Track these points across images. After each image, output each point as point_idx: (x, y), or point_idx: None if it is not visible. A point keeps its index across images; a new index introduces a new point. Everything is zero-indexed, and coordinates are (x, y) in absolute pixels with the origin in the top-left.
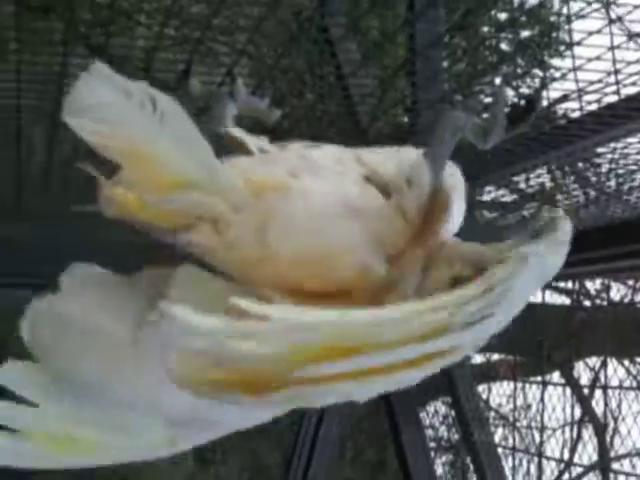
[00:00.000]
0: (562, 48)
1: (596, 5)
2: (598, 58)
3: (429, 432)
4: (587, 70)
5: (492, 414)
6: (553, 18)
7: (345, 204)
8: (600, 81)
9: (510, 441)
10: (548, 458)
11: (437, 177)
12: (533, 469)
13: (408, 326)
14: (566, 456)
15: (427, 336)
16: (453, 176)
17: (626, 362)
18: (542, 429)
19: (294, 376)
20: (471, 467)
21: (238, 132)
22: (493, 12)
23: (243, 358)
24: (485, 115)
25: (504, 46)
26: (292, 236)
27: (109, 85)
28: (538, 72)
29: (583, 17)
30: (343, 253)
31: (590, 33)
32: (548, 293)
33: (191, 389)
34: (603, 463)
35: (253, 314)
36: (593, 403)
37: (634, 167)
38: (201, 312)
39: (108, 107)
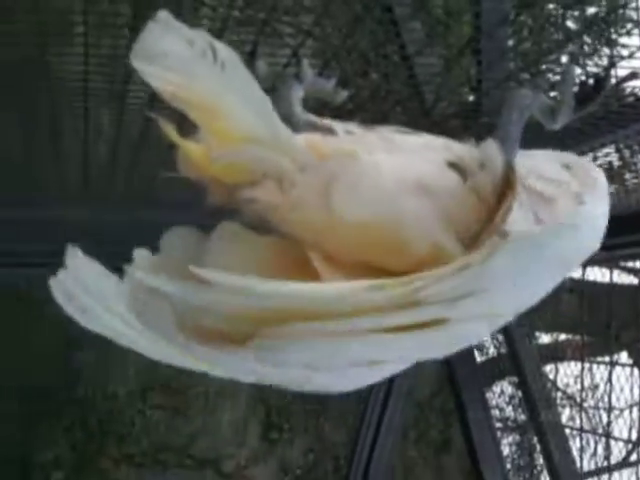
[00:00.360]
0: (630, 26)
1: None
2: None
3: (495, 412)
4: None
5: (559, 394)
6: None
7: (418, 181)
8: None
9: (577, 422)
10: (616, 439)
11: (508, 157)
12: (600, 450)
13: (362, 299)
14: (634, 436)
15: (390, 308)
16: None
17: None
18: (610, 409)
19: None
20: (538, 447)
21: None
22: None
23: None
24: (553, 94)
25: (571, 24)
26: (358, 203)
27: (174, 33)
28: (606, 50)
29: None
30: (412, 228)
31: None
32: (616, 273)
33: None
34: None
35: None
36: None
37: None
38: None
39: (173, 55)
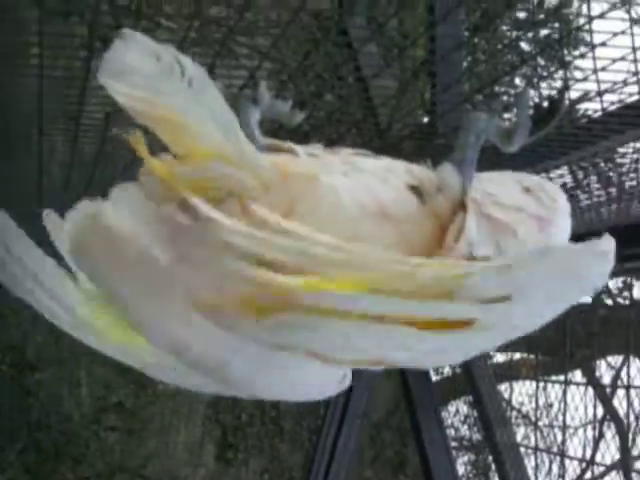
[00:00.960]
0: (583, 49)
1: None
2: (622, 59)
3: (451, 432)
4: (609, 71)
5: (514, 413)
6: (573, 18)
7: (378, 205)
8: (622, 82)
9: (532, 440)
10: (570, 457)
11: (466, 181)
12: (555, 468)
13: (414, 279)
14: (588, 455)
15: (429, 294)
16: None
17: None
18: (564, 428)
19: (294, 300)
20: (493, 467)
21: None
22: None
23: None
24: (508, 116)
25: (525, 46)
26: (317, 226)
27: (141, 49)
28: (560, 73)
29: (603, 17)
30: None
31: (614, 34)
32: None
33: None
34: (625, 462)
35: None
36: (615, 402)
37: None
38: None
39: (140, 71)
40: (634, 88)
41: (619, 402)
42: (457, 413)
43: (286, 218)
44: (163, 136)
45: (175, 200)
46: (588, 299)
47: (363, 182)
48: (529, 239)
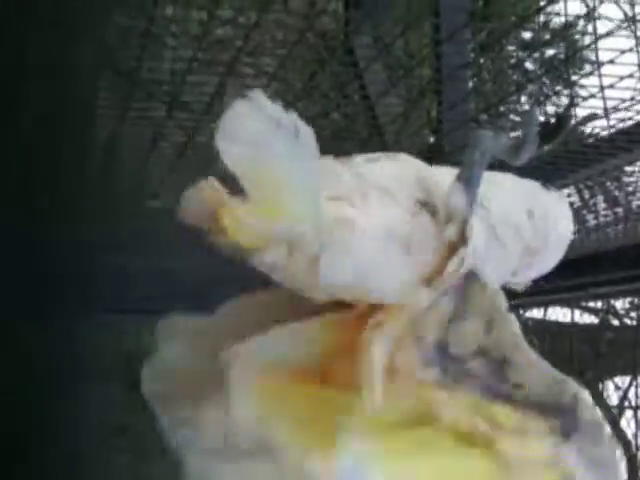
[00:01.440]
0: (589, 67)
1: (623, 24)
2: (630, 76)
3: None
4: (616, 88)
5: None
6: (579, 37)
7: (391, 235)
8: (630, 99)
9: None
10: None
11: (472, 200)
12: None
13: None
14: None
15: None
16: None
17: None
18: None
19: None
20: None
21: None
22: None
23: None
24: (515, 134)
25: (530, 65)
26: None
27: (262, 114)
28: (565, 92)
29: (609, 36)
30: (387, 281)
31: (622, 52)
32: (577, 312)
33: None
34: None
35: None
36: (623, 423)
37: None
38: None
39: (259, 139)
40: None
41: (627, 423)
42: None
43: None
44: (250, 187)
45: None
46: (595, 320)
47: (374, 209)
48: (513, 260)
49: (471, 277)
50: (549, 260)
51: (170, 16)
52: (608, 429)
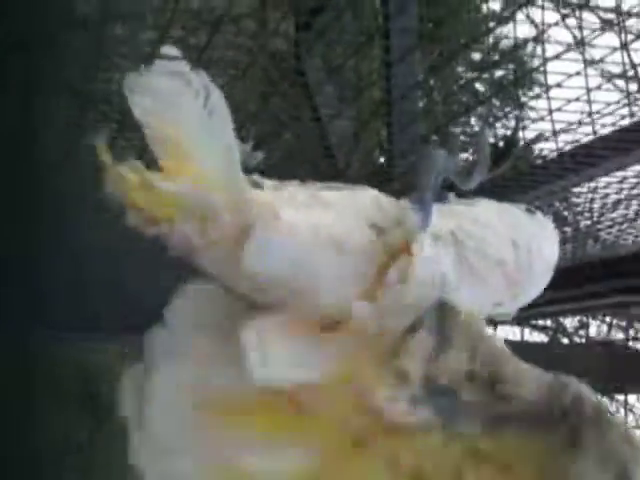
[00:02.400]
0: (538, 90)
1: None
2: (576, 99)
3: None
4: (564, 111)
5: None
6: (528, 59)
7: (332, 238)
8: (577, 122)
9: None
10: None
11: (426, 220)
12: None
13: None
14: None
15: None
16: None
17: (605, 400)
18: None
19: None
20: None
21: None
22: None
23: None
24: (465, 156)
25: (479, 87)
26: (267, 259)
27: (172, 70)
28: (515, 113)
29: (557, 59)
30: (323, 285)
31: (569, 75)
32: (527, 330)
33: None
34: None
35: None
36: None
37: (611, 206)
38: None
39: (166, 92)
40: (588, 128)
41: None
42: None
43: (236, 244)
44: (161, 152)
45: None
46: (545, 338)
47: (322, 217)
48: (496, 292)
49: (447, 309)
50: (535, 289)
51: (120, 36)
52: (617, 420)
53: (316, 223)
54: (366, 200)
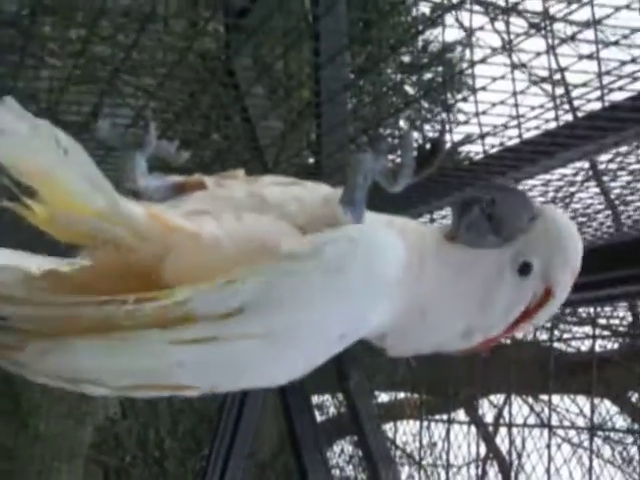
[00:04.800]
0: (466, 92)
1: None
2: (502, 102)
3: (336, 472)
4: (490, 114)
5: (398, 452)
6: (456, 62)
7: (261, 244)
8: (503, 125)
9: (416, 479)
10: None
11: (357, 220)
12: None
13: (134, 315)
14: None
15: (166, 321)
16: None
17: (530, 400)
18: (448, 467)
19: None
20: None
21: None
22: (398, 55)
23: None
24: (392, 158)
25: (409, 88)
26: (193, 270)
27: (20, 117)
28: (443, 115)
29: (486, 62)
30: None
31: (494, 78)
32: None
33: None
34: None
35: None
36: (498, 440)
37: None
38: None
39: (21, 135)
40: (515, 131)
41: (501, 440)
42: (342, 453)
43: (159, 262)
44: (41, 191)
45: None
46: None
47: (254, 224)
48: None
49: None
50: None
51: (48, 34)
52: None
53: (245, 232)
54: (307, 198)
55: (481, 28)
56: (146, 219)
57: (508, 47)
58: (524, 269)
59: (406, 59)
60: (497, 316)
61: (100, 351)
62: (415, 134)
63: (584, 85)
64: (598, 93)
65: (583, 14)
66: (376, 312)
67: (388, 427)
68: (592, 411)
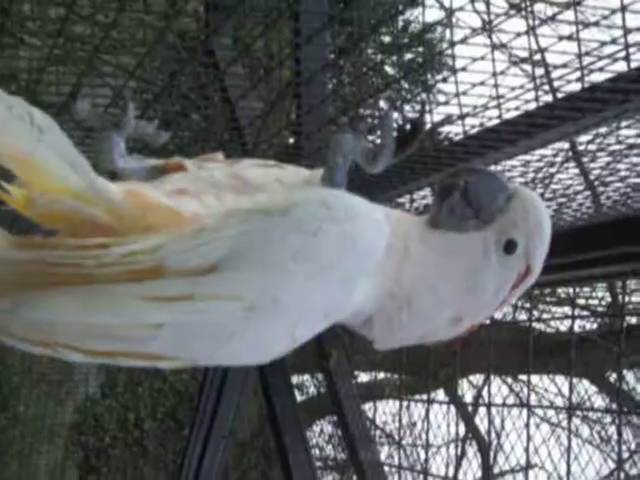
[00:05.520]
0: (446, 73)
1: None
2: (482, 83)
3: (316, 451)
4: (470, 95)
5: (378, 432)
6: (437, 43)
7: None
8: (483, 106)
9: (396, 459)
10: (433, 475)
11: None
12: None
13: (103, 259)
14: (451, 473)
15: (136, 272)
16: None
17: (509, 380)
18: (427, 447)
19: None
20: None
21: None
22: (378, 35)
23: None
24: (372, 138)
25: (389, 69)
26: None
27: None
28: (423, 96)
29: (466, 42)
30: None
31: (474, 59)
32: None
33: None
34: (487, 479)
35: None
36: (477, 420)
37: None
38: None
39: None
40: (494, 112)
41: (480, 420)
42: (322, 433)
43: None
44: (18, 174)
45: None
46: None
47: (235, 204)
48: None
49: None
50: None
51: (27, 13)
52: None
53: (221, 209)
54: (291, 179)
55: (461, 8)
56: (124, 197)
57: (488, 28)
58: (509, 247)
59: (386, 39)
60: (487, 299)
61: (73, 305)
62: (395, 115)
63: (564, 66)
64: (578, 74)
65: None
66: (358, 288)
67: (367, 407)
68: (570, 391)
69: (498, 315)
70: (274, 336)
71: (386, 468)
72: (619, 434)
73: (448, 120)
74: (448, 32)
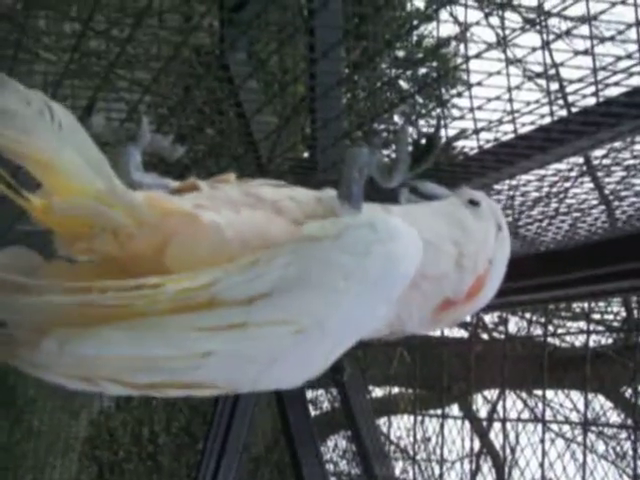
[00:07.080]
0: (460, 88)
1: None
2: (497, 98)
3: (330, 466)
4: (485, 109)
5: (392, 447)
6: (451, 57)
7: (261, 238)
8: (498, 120)
9: (410, 474)
10: None
11: (356, 214)
12: None
13: (155, 298)
14: None
15: (185, 307)
16: None
17: (523, 394)
18: (442, 462)
19: None
20: None
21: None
22: (392, 50)
23: None
24: (387, 152)
25: (404, 84)
26: (193, 259)
27: (11, 92)
28: (437, 110)
29: (480, 57)
30: None
31: (490, 74)
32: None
33: None
34: None
35: None
36: (492, 435)
37: (531, 203)
38: None
39: (11, 112)
40: (509, 127)
41: (495, 435)
42: (336, 448)
43: (159, 253)
44: (37, 175)
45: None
46: (465, 333)
47: (252, 217)
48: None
49: None
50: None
51: (43, 28)
52: None
53: (245, 224)
54: (302, 197)
55: (476, 23)
56: (144, 202)
57: (503, 42)
58: (473, 202)
59: (401, 54)
60: (479, 241)
61: (122, 339)
62: (410, 129)
63: (579, 80)
64: (593, 89)
65: (578, 9)
66: (389, 305)
67: (382, 422)
68: (586, 406)
69: (513, 329)
70: (314, 358)
71: None
72: (634, 450)
73: (463, 135)
74: (462, 47)
